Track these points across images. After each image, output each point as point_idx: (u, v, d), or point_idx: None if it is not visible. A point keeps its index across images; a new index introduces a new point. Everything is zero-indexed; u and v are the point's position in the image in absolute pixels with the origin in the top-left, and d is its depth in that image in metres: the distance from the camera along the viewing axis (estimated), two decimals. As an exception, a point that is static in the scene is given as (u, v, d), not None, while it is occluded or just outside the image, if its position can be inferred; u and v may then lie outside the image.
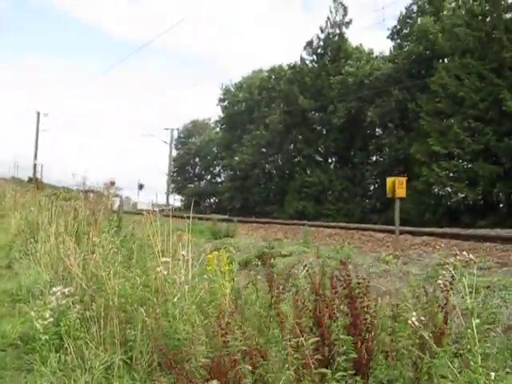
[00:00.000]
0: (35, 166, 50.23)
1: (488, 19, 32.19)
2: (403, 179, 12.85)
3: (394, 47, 44.39)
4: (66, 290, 5.62)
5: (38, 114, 51.47)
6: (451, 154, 32.19)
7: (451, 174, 32.93)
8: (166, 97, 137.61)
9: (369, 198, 45.54)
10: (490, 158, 30.75)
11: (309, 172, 47.62)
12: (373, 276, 10.36)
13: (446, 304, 3.00)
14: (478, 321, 2.59)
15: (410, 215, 34.55)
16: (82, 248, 7.11)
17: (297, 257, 12.54)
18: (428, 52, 38.42)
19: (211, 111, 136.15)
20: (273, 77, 56.35)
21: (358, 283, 3.12)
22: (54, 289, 5.70)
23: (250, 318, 3.44)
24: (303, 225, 19.58)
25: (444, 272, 2.80)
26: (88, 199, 10.37)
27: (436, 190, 35.66)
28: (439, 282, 2.80)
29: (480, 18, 32.68)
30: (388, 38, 44.77)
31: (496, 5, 31.39)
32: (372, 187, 46.66)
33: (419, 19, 41.26)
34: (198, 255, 15.39)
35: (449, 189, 34.24)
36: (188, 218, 22.28)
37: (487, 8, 32.24)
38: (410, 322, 2.67)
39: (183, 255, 4.63)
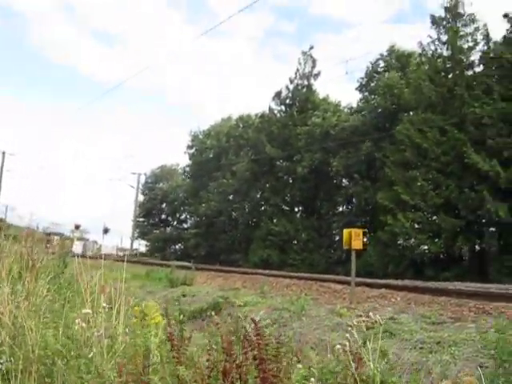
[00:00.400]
0: (-2, 206, 49.22)
1: (450, 76, 33.05)
2: (360, 231, 12.82)
3: (360, 100, 45.30)
4: (-8, 341, 5.31)
5: (4, 153, 50.88)
6: (416, 205, 32.43)
7: (416, 226, 33.09)
8: (136, 139, 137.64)
9: (334, 249, 45.34)
10: (451, 210, 31.08)
11: (275, 221, 47.45)
12: (325, 329, 10.20)
13: (357, 368, 2.83)
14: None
15: (374, 267, 34.51)
16: (17, 295, 6.81)
17: (250, 307, 12.35)
18: (394, 106, 39.13)
19: (179, 156, 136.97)
20: (241, 125, 56.75)
21: (266, 344, 2.92)
22: (-23, 339, 5.36)
23: (164, 378, 3.22)
24: (263, 275, 19.37)
25: (347, 335, 2.63)
26: (30, 242, 9.95)
27: (400, 241, 35.73)
28: (337, 346, 2.62)
29: (443, 74, 33.54)
30: (356, 89, 45.73)
31: (458, 62, 32.31)
32: (337, 237, 46.63)
33: (386, 74, 42.18)
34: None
35: (413, 240, 34.33)
36: (150, 264, 22.05)
37: (449, 65, 33.14)
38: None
39: (104, 307, 4.40)
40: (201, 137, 61.93)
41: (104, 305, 4.40)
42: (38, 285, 6.85)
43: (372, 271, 33.16)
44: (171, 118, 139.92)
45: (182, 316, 3.25)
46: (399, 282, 17.78)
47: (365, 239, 13.16)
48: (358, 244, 12.51)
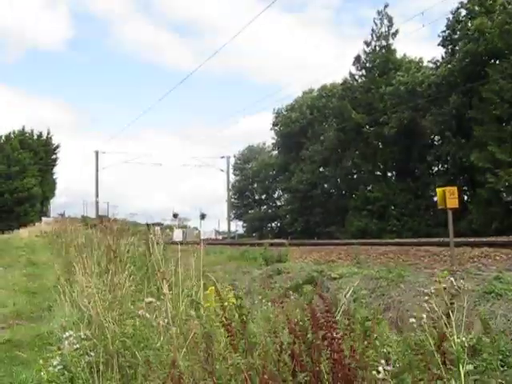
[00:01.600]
0: (97, 203, 51.21)
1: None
2: (454, 189, 12.03)
3: (446, 52, 43.09)
4: (81, 334, 5.27)
5: (97, 152, 52.75)
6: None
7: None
8: (219, 123, 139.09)
9: (434, 211, 43.79)
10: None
11: (369, 188, 46.46)
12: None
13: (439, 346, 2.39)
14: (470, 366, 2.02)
15: (477, 226, 33.07)
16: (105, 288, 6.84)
17: (346, 279, 11.96)
18: (486, 51, 36.78)
19: (266, 136, 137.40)
20: (324, 95, 55.83)
21: (335, 322, 2.55)
22: (66, 333, 5.33)
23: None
24: (359, 244, 18.85)
25: (425, 305, 2.21)
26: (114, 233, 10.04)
27: (504, 196, 33.99)
28: (411, 320, 2.21)
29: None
30: (439, 45, 43.55)
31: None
32: (435, 199, 44.80)
33: (469, 22, 39.85)
34: (248, 285, 14.86)
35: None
36: (241, 244, 21.99)
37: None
38: (374, 372, 2.10)
39: (165, 293, 4.20)
40: (285, 112, 61.31)
41: (165, 291, 4.20)
42: (122, 276, 6.84)
43: (476, 230, 31.75)
44: (252, 99, 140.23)
45: (238, 293, 2.96)
46: (504, 239, 16.81)
47: (464, 197, 12.41)
48: (453, 203, 11.73)
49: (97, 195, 52.00)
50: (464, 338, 2.10)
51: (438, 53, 43.72)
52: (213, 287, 4.60)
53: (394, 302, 9.50)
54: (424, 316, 2.19)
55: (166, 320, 3.94)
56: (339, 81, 52.78)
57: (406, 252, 16.28)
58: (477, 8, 40.19)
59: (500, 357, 6.18)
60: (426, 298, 2.17)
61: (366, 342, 2.89)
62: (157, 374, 2.93)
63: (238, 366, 2.48)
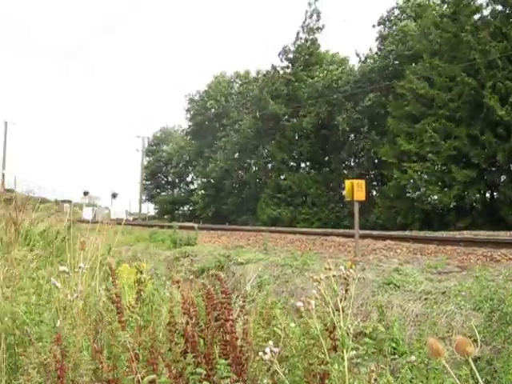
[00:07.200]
0: (3, 176, 49.15)
1: (456, 20, 31.86)
2: (362, 182, 12.37)
3: (378, 48, 44.39)
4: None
5: (6, 123, 50.68)
6: (425, 156, 31.74)
7: (425, 177, 32.35)
8: (129, 104, 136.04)
9: (345, 203, 44.91)
10: (462, 160, 30.28)
11: (282, 177, 47.11)
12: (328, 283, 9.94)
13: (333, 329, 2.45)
14: (354, 352, 2.08)
15: (383, 220, 34.21)
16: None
17: (252, 265, 12.08)
18: (406, 53, 38.02)
19: (179, 117, 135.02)
20: (239, 82, 55.96)
21: (229, 303, 2.57)
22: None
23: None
24: (268, 231, 19.11)
25: (314, 291, 2.26)
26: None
27: (409, 193, 35.27)
28: (298, 304, 2.25)
29: (449, 19, 32.33)
30: (376, 40, 44.74)
31: (464, 6, 31.12)
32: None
33: (401, 22, 41.10)
34: (154, 266, 14.67)
35: (421, 191, 33.81)
36: (151, 226, 21.69)
37: (456, 9, 31.91)
38: (260, 354, 2.13)
39: (81, 267, 4.02)
40: (199, 98, 60.70)
41: (81, 264, 4.03)
42: (23, 251, 6.59)
43: (381, 224, 32.89)
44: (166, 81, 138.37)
45: (139, 274, 2.90)
46: (406, 233, 17.51)
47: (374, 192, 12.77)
48: (360, 195, 12.06)
49: (3, 167, 49.98)
50: (349, 325, 2.17)
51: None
52: (126, 264, 4.51)
53: (297, 289, 9.72)
54: (312, 302, 2.23)
55: (74, 294, 3.77)
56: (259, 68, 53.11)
57: (312, 241, 16.63)
58: (408, 11, 41.50)
59: (393, 344, 6.51)
60: (315, 284, 2.21)
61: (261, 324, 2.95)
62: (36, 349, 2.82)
63: (124, 344, 2.45)
